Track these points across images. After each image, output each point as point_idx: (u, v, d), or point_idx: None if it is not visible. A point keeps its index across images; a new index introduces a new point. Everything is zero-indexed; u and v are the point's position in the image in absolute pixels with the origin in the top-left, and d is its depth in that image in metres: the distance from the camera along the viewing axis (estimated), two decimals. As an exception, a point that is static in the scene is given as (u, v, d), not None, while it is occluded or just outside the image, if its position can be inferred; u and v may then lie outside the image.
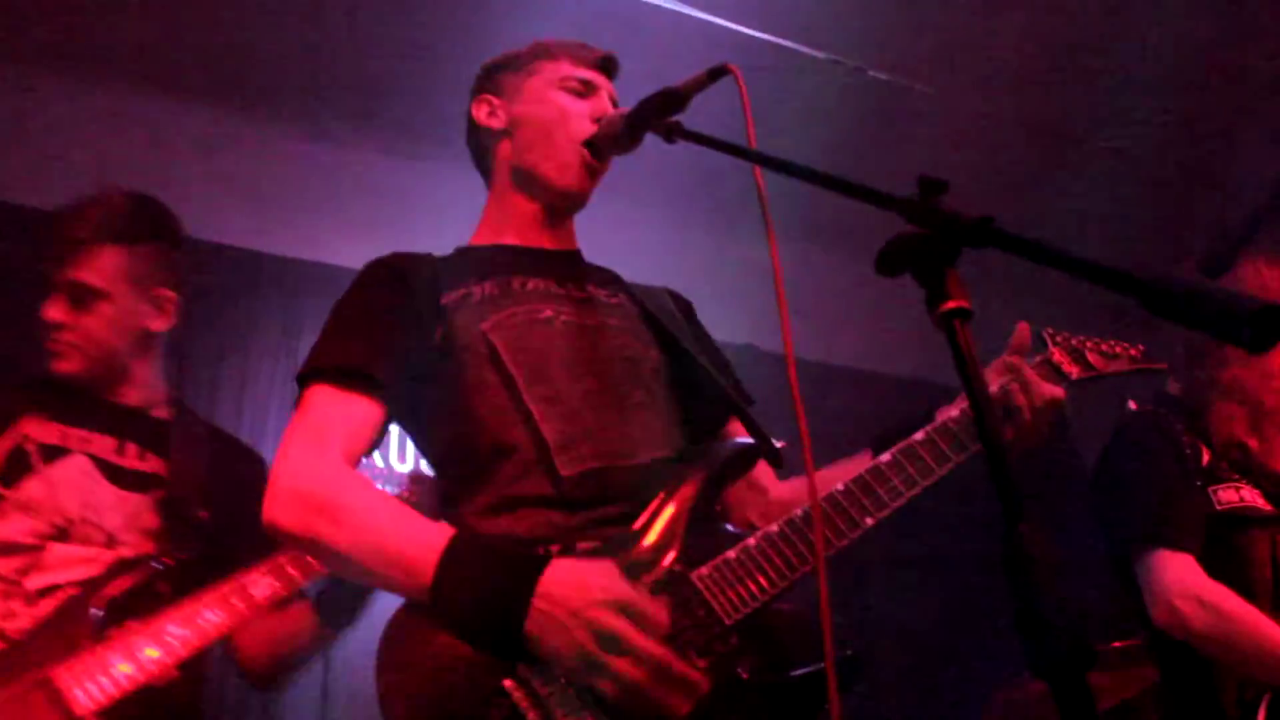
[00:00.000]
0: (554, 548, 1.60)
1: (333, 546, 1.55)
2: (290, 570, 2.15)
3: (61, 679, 1.91)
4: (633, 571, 1.56)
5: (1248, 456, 2.56)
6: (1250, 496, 2.50)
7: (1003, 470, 0.98)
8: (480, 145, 2.11)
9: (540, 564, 1.48)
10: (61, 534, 2.16)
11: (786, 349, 1.46)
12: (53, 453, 2.22)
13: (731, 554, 1.62)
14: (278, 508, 1.58)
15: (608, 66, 2.09)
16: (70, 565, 2.14)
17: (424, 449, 1.89)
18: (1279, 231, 2.39)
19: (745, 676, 1.55)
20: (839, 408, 4.85)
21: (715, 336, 2.16)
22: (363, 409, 1.69)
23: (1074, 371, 1.93)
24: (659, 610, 1.48)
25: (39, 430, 2.24)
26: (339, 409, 1.67)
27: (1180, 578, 2.37)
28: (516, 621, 1.44)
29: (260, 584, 2.12)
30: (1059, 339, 1.97)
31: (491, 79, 2.10)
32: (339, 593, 2.22)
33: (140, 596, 2.11)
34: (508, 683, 1.45)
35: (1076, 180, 4.97)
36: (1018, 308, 2.16)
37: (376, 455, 4.43)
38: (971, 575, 4.58)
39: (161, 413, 2.43)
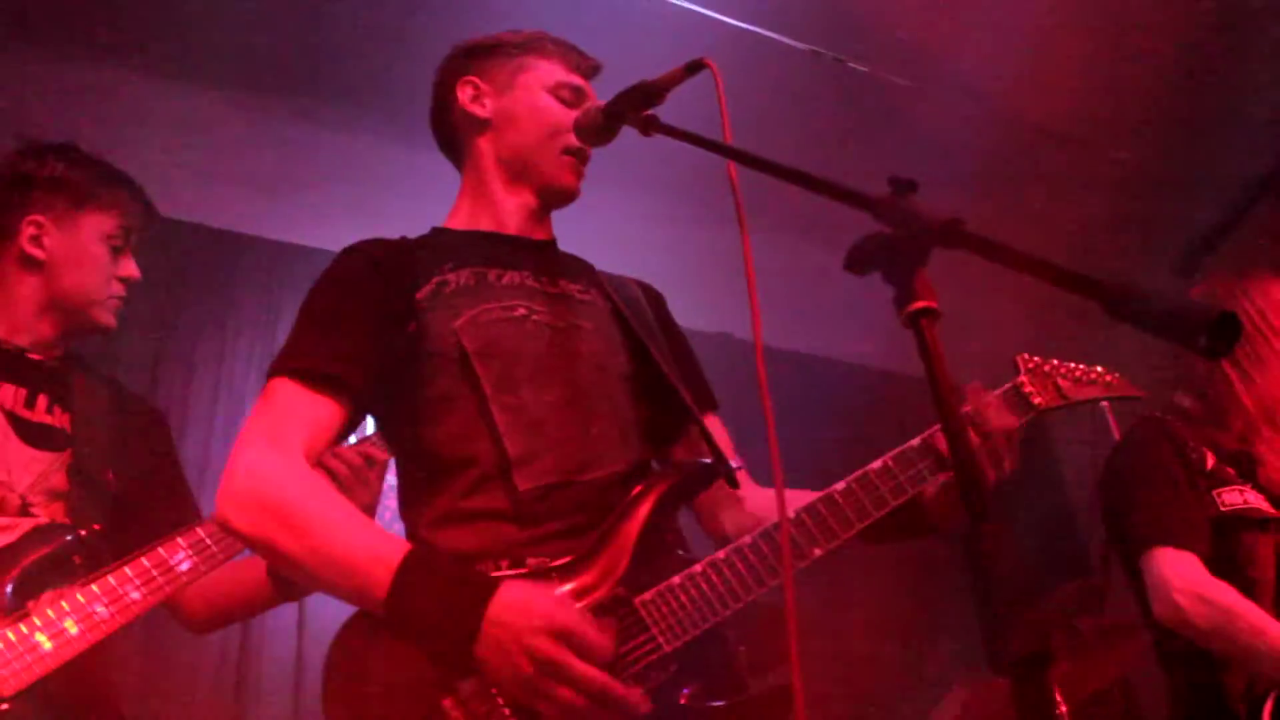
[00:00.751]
0: (503, 563, 1.62)
1: (286, 554, 1.56)
2: (212, 547, 2.11)
3: None
4: (577, 595, 1.58)
5: (1252, 463, 2.60)
6: (1254, 499, 2.54)
7: (966, 471, 0.99)
8: (455, 128, 2.07)
9: (491, 588, 1.49)
10: None
11: (756, 339, 1.46)
12: None
13: (676, 580, 1.62)
14: (232, 507, 1.57)
15: (595, 74, 2.09)
16: None
17: (388, 444, 1.92)
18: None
19: (684, 702, 1.58)
20: (813, 398, 4.89)
21: (690, 324, 2.16)
22: (327, 409, 1.68)
23: (1042, 401, 1.90)
24: (602, 637, 1.48)
25: None
26: (303, 407, 1.67)
27: (1182, 574, 2.40)
28: (467, 644, 1.46)
29: (183, 561, 2.08)
30: (1030, 365, 1.95)
31: (476, 63, 2.06)
32: None
33: (54, 567, 2.06)
34: (446, 702, 1.48)
35: (1052, 177, 4.99)
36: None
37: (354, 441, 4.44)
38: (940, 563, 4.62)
39: (60, 362, 2.38)
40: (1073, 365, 2.02)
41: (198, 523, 2.14)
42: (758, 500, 1.96)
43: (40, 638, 1.92)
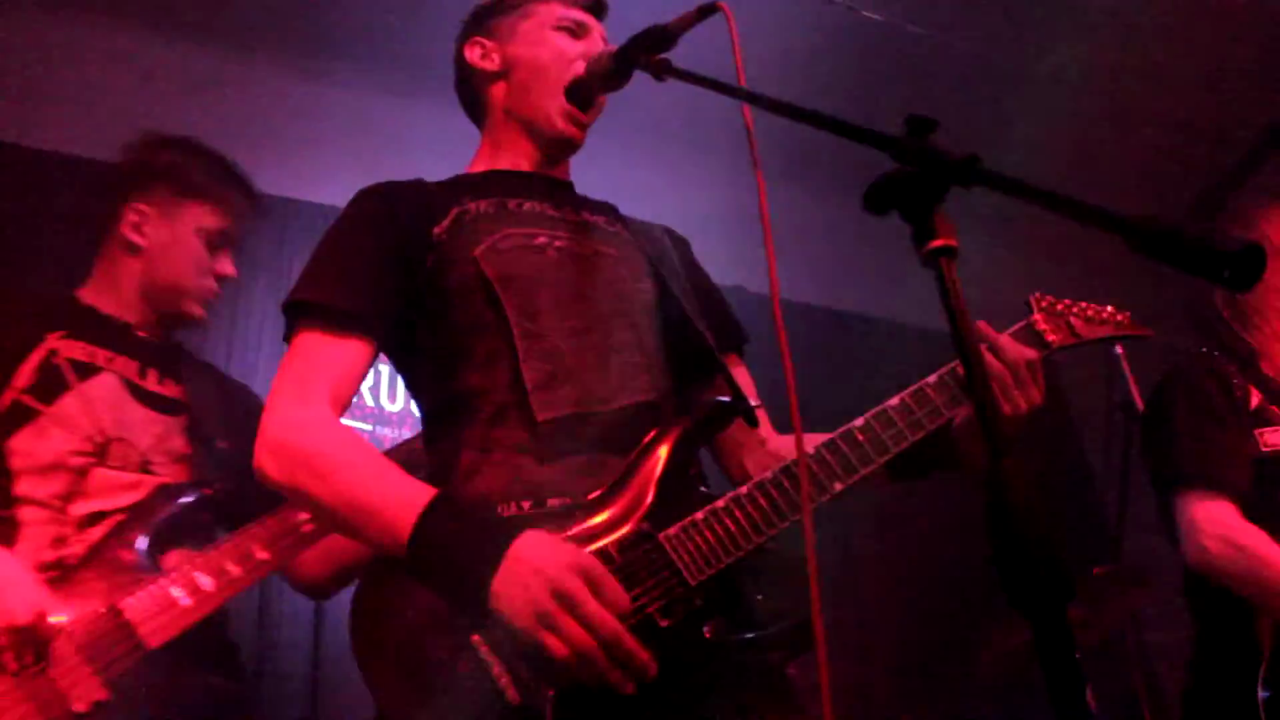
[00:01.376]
0: (525, 504, 1.63)
1: (315, 498, 1.60)
2: None
3: (131, 610, 1.97)
4: (602, 531, 1.59)
5: None
6: None
7: (987, 407, 0.99)
8: (472, 88, 2.10)
9: (514, 530, 1.50)
10: (100, 452, 2.19)
11: (773, 290, 1.46)
12: (85, 369, 2.24)
13: (700, 515, 1.63)
14: (265, 457, 1.63)
15: (598, 9, 2.08)
16: (113, 491, 2.17)
17: (410, 381, 1.91)
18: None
19: (709, 636, 1.58)
20: (827, 349, 4.88)
21: (703, 278, 2.15)
22: (352, 350, 1.71)
23: (1056, 339, 1.91)
24: (620, 591, 1.49)
25: (66, 347, 2.25)
26: (328, 353, 1.70)
27: (1213, 518, 2.39)
28: (485, 578, 1.46)
29: (306, 522, 2.16)
30: (1044, 304, 1.96)
31: (482, 22, 2.09)
32: None
33: (183, 525, 2.17)
34: (475, 637, 1.48)
35: (1066, 126, 4.94)
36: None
37: (366, 394, 4.46)
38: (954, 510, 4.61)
39: (165, 342, 2.47)
40: (1084, 304, 2.03)
41: None
42: (778, 443, 1.98)
43: (177, 592, 2.01)
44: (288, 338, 1.75)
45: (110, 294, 2.39)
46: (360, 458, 1.62)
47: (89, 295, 2.40)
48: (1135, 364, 3.37)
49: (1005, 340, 1.79)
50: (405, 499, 1.54)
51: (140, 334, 2.38)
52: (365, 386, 4.27)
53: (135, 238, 2.40)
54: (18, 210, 3.73)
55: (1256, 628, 2.41)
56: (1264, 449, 2.50)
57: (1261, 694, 2.30)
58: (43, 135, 4.02)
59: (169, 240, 2.41)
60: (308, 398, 1.66)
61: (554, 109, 1.96)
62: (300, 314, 1.73)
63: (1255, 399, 2.57)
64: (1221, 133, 4.61)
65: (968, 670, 3.78)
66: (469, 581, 1.48)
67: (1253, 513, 2.41)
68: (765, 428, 1.99)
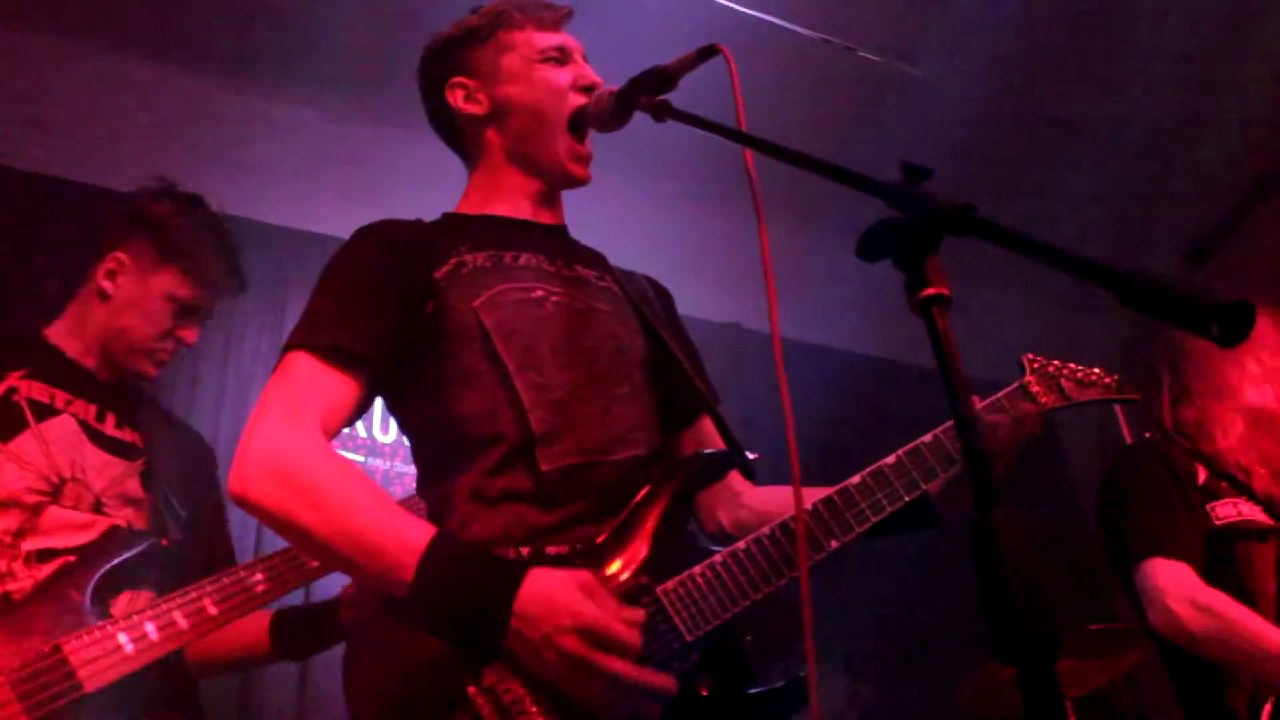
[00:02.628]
0: (524, 550, 1.61)
1: (309, 530, 1.52)
2: (287, 573, 2.17)
3: (72, 650, 1.94)
4: (600, 582, 1.56)
5: (1246, 475, 2.61)
6: (1249, 511, 2.55)
7: (975, 456, 0.99)
8: (460, 131, 2.06)
9: (517, 580, 1.47)
10: (55, 491, 2.18)
11: (773, 328, 1.46)
12: (43, 410, 2.24)
13: (698, 570, 1.63)
14: (252, 481, 1.54)
15: (568, 22, 2.07)
16: (66, 531, 2.16)
17: (404, 424, 1.88)
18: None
19: (705, 694, 1.58)
20: (825, 388, 4.88)
21: (699, 314, 2.17)
22: (344, 385, 1.67)
23: (1048, 401, 1.96)
24: (629, 630, 1.47)
25: (27, 387, 2.25)
26: (320, 381, 1.65)
27: (1175, 581, 2.42)
28: (496, 634, 1.45)
29: (260, 583, 2.14)
30: (1036, 365, 2.02)
31: (455, 58, 2.04)
32: (298, 621, 2.27)
33: (132, 571, 2.14)
34: (471, 689, 1.47)
35: (1064, 168, 4.97)
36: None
37: (359, 425, 4.45)
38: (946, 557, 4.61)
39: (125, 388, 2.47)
40: (1074, 366, 2.08)
41: (273, 553, 2.20)
42: (755, 496, 1.97)
43: (122, 638, 1.98)
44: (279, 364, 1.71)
45: (75, 336, 2.39)
46: (356, 488, 1.56)
47: (55, 335, 2.40)
48: (1131, 413, 3.39)
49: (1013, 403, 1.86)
50: (406, 538, 1.51)
51: (100, 378, 2.38)
52: (358, 418, 4.28)
53: (107, 285, 2.40)
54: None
55: (1228, 690, 2.44)
56: (1216, 522, 2.54)
57: None
58: (24, 157, 4.02)
59: (137, 297, 2.40)
60: (300, 420, 1.58)
61: (563, 152, 1.94)
62: (296, 346, 1.68)
63: (1202, 475, 2.62)
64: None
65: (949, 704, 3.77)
66: (476, 636, 1.47)
67: (1213, 583, 2.43)
68: (741, 481, 1.99)
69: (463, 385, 1.74)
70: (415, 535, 1.51)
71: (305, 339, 1.68)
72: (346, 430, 1.73)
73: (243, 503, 1.55)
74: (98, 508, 2.22)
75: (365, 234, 1.85)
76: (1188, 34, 4.39)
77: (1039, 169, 4.95)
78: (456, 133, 2.07)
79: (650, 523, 1.66)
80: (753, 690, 1.64)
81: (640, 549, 1.63)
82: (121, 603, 2.13)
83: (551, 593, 1.46)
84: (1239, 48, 4.46)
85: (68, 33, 4.25)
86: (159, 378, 2.48)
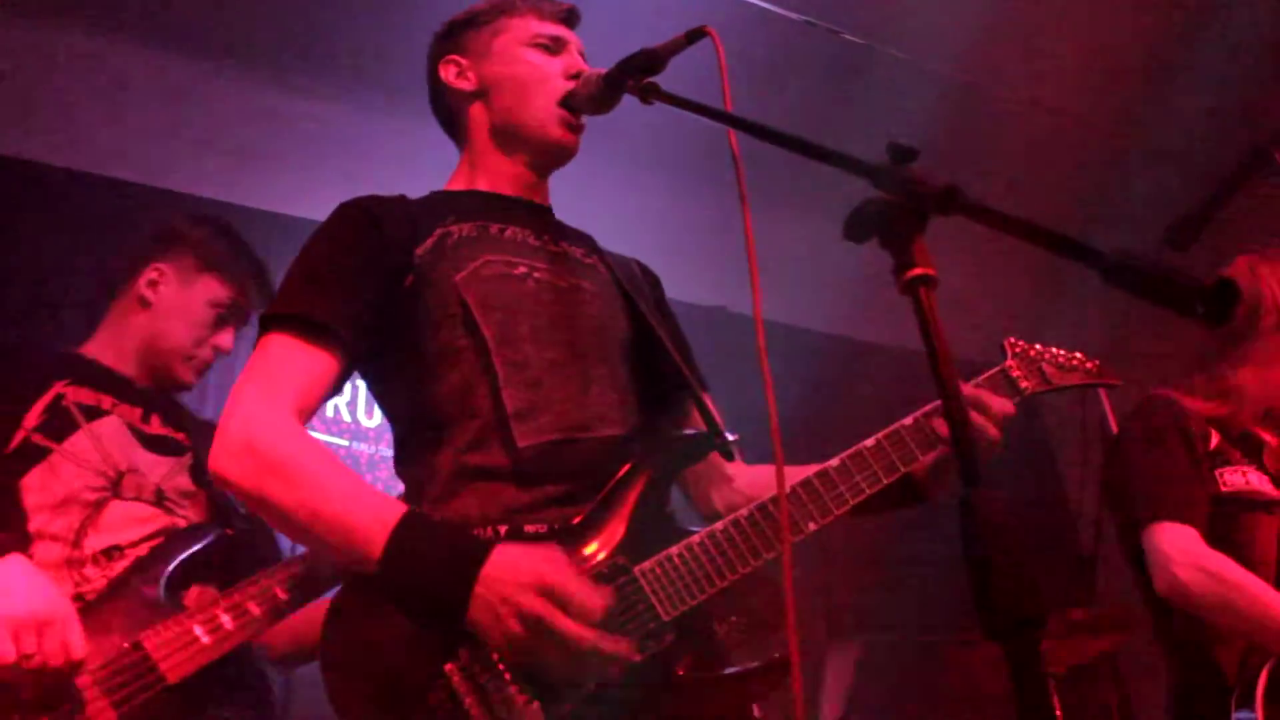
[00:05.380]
0: (501, 529, 1.62)
1: (281, 507, 1.55)
2: None
3: (152, 645, 1.96)
4: (576, 564, 1.58)
5: (1258, 444, 2.61)
6: (1257, 481, 2.54)
7: (962, 435, 1.00)
8: (449, 107, 2.08)
9: (484, 551, 1.49)
10: (114, 486, 2.20)
11: (755, 314, 1.47)
12: (91, 412, 2.27)
13: (675, 550, 1.63)
14: (228, 458, 1.58)
15: (571, 19, 2.08)
16: (128, 525, 2.18)
17: (383, 400, 1.89)
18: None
19: (680, 674, 1.58)
20: (810, 370, 4.89)
21: (685, 297, 2.16)
22: (321, 362, 1.68)
23: (1029, 386, 1.96)
24: (592, 596, 1.48)
25: (73, 392, 2.28)
26: (297, 360, 1.67)
27: (1182, 547, 2.40)
28: (460, 609, 1.47)
29: (327, 569, 2.16)
30: (1018, 349, 2.01)
31: (454, 38, 2.07)
32: None
33: (199, 564, 2.17)
34: (448, 667, 1.48)
35: (1045, 151, 4.99)
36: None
37: (344, 409, 4.45)
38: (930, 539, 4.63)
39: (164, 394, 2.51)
40: (1055, 351, 2.08)
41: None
42: (746, 478, 1.99)
43: (199, 630, 2.01)
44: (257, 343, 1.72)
45: (112, 349, 2.43)
46: (330, 469, 1.58)
47: (92, 350, 2.44)
48: (1116, 396, 3.40)
49: (986, 396, 1.83)
50: (377, 515, 1.52)
51: (140, 384, 2.42)
52: (342, 402, 4.27)
53: (149, 293, 2.45)
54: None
55: (1218, 656, 2.45)
56: (1224, 488, 2.53)
57: (1236, 716, 2.33)
58: (17, 144, 4.00)
59: (180, 303, 2.47)
60: (275, 401, 1.61)
61: (547, 116, 1.94)
62: (273, 324, 1.70)
63: (1215, 439, 2.60)
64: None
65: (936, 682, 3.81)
66: (443, 608, 1.48)
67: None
68: (735, 462, 2.00)
69: (441, 361, 1.74)
70: (386, 513, 1.52)
71: (280, 312, 1.70)
72: (330, 415, 1.74)
73: (221, 481, 1.59)
74: (159, 498, 2.25)
75: (344, 210, 1.85)
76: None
77: (1017, 151, 4.95)
78: (448, 112, 2.09)
79: (628, 503, 1.67)
80: (729, 670, 1.64)
81: (618, 529, 1.64)
82: (192, 595, 2.16)
83: (517, 558, 1.49)
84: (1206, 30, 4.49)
85: (52, 16, 4.21)
86: (193, 386, 2.52)
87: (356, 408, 4.32)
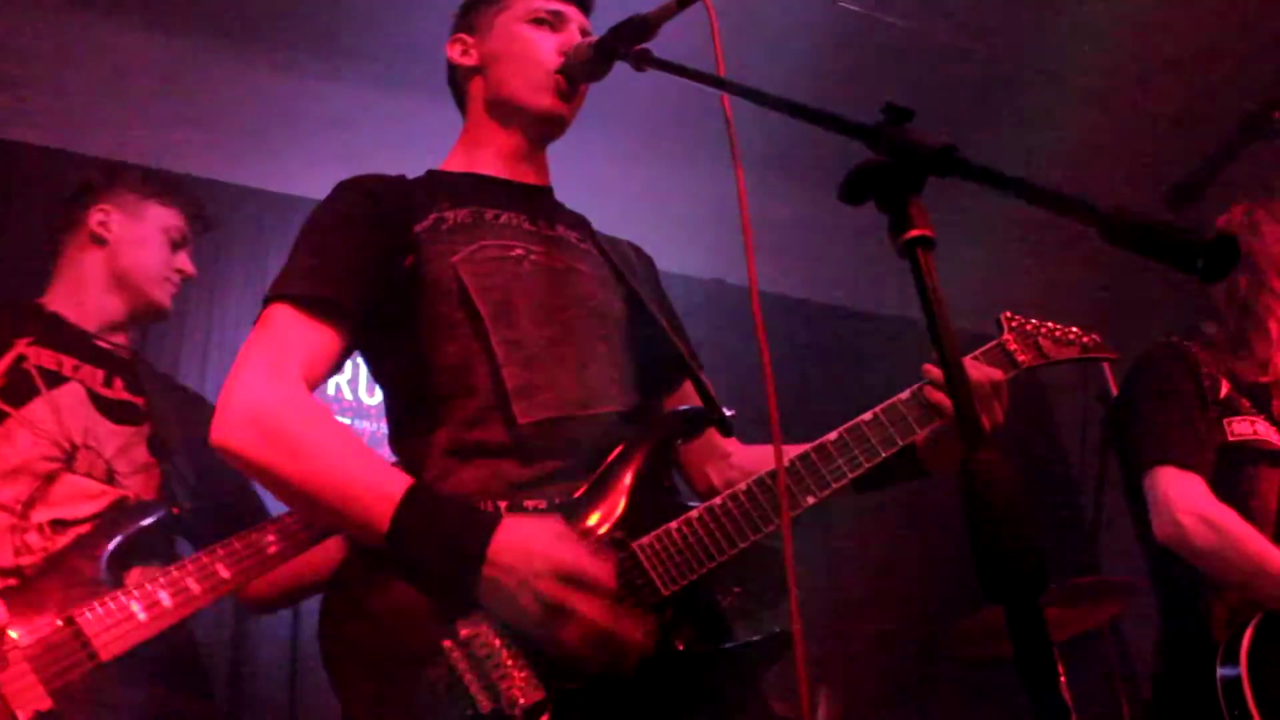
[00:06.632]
0: (502, 504, 1.62)
1: (287, 479, 1.55)
2: (299, 533, 2.18)
3: (85, 621, 1.95)
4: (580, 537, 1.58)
5: (1268, 395, 2.60)
6: (1265, 431, 2.54)
7: (962, 398, 0.99)
8: (456, 84, 2.11)
9: (491, 527, 1.49)
10: (68, 458, 2.20)
11: (751, 282, 1.46)
12: (52, 378, 2.26)
13: (674, 525, 1.63)
14: (232, 429, 1.56)
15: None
16: (77, 500, 2.17)
17: (380, 376, 1.90)
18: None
19: (680, 648, 1.59)
20: (806, 342, 4.89)
21: (682, 270, 2.16)
22: (325, 336, 1.68)
23: (1025, 359, 1.96)
24: (604, 571, 1.49)
25: (35, 354, 2.27)
26: (301, 332, 1.66)
27: (1186, 494, 2.41)
28: (469, 584, 1.47)
29: (272, 545, 2.16)
30: (1014, 323, 2.02)
31: (465, 17, 2.10)
32: None
33: (144, 541, 2.16)
34: (446, 643, 1.48)
35: (1042, 118, 4.96)
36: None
37: (345, 387, 4.45)
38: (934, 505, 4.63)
39: (128, 353, 2.51)
40: (1052, 325, 2.08)
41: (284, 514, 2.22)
42: (744, 455, 1.99)
43: (135, 607, 2.00)
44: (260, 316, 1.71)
45: (73, 297, 2.43)
46: (335, 438, 1.58)
47: (52, 302, 2.44)
48: (1118, 368, 3.39)
49: (969, 363, 1.82)
50: (383, 487, 1.52)
51: (100, 344, 2.41)
52: (343, 380, 4.27)
53: (101, 231, 2.48)
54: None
55: (1213, 608, 2.45)
56: (1231, 437, 2.53)
57: (1220, 672, 2.33)
58: (15, 127, 3.99)
59: (137, 234, 2.51)
60: (282, 372, 1.60)
61: (538, 82, 1.94)
62: (277, 296, 1.70)
63: (1224, 388, 2.59)
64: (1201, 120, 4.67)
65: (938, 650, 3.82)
66: (449, 582, 1.49)
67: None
68: (732, 440, 1.99)
69: (439, 339, 1.74)
70: (392, 485, 1.52)
71: (284, 290, 1.69)
72: (332, 393, 1.74)
73: (224, 451, 1.57)
74: (110, 476, 2.24)
75: (345, 187, 1.86)
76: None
77: (1014, 116, 4.93)
78: (456, 89, 2.12)
79: (627, 479, 1.67)
80: (729, 645, 1.65)
81: (617, 504, 1.64)
82: (134, 574, 2.14)
83: (527, 540, 1.48)
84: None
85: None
86: (169, 314, 2.58)
87: (358, 385, 4.31)
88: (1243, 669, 2.29)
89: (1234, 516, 2.37)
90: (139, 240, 2.50)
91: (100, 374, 2.34)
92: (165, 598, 2.02)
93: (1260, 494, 2.49)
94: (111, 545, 2.10)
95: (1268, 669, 2.28)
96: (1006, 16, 4.60)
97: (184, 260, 2.57)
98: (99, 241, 2.47)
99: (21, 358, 2.24)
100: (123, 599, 2.00)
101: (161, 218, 2.55)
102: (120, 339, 2.47)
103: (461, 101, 2.11)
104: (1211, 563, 2.40)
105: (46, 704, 1.87)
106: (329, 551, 2.26)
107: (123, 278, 2.46)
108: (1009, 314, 2.03)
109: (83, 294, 2.44)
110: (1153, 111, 5.06)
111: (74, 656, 1.91)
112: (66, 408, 2.24)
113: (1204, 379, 2.58)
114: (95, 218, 2.49)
